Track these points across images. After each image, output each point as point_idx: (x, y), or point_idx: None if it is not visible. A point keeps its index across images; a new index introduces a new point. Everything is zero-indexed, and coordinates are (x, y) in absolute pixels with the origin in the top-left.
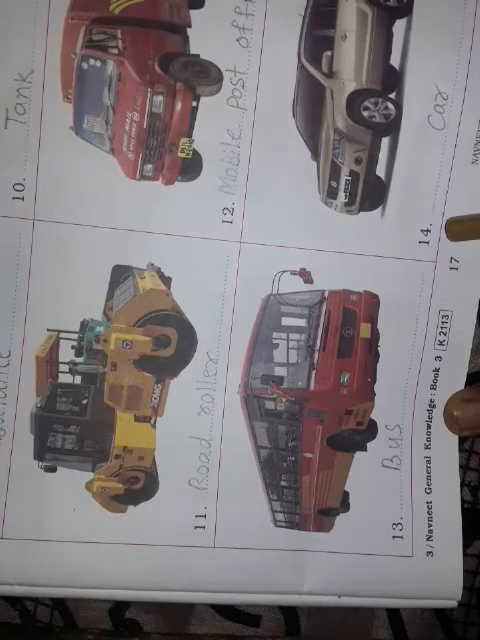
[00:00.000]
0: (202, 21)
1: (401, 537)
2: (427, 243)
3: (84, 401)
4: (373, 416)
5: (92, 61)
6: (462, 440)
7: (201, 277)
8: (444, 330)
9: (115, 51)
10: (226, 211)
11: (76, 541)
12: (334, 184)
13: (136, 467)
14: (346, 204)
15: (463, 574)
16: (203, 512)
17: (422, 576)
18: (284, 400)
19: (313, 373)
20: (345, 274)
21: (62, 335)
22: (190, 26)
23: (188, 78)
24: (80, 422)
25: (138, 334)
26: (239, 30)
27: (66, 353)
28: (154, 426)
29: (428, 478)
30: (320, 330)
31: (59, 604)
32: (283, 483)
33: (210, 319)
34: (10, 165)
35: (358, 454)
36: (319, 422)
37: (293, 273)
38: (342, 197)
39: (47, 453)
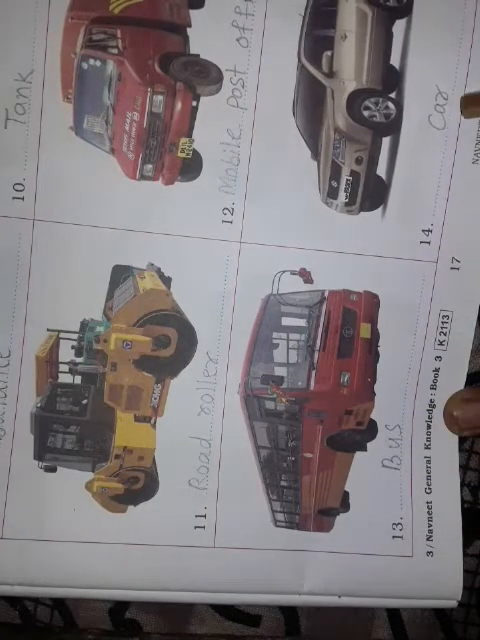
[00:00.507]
0: (202, 21)
1: (401, 537)
2: (428, 243)
3: (84, 401)
4: (373, 416)
5: (92, 61)
6: (462, 440)
7: (201, 277)
8: (444, 330)
9: (115, 51)
10: (226, 211)
11: (76, 541)
12: (334, 184)
13: (136, 467)
14: (346, 204)
15: (463, 574)
16: (203, 512)
17: (422, 576)
18: (284, 400)
19: (313, 373)
20: (345, 274)
21: (62, 335)
22: (190, 26)
23: (188, 78)
24: (80, 422)
25: (138, 334)
26: (239, 30)
27: (66, 353)
28: (154, 426)
29: (428, 478)
30: (320, 330)
31: (59, 604)
32: (283, 483)
33: (210, 319)
34: (10, 165)
35: (358, 454)
36: (319, 422)
37: (293, 273)
38: (342, 197)
39: (47, 453)
